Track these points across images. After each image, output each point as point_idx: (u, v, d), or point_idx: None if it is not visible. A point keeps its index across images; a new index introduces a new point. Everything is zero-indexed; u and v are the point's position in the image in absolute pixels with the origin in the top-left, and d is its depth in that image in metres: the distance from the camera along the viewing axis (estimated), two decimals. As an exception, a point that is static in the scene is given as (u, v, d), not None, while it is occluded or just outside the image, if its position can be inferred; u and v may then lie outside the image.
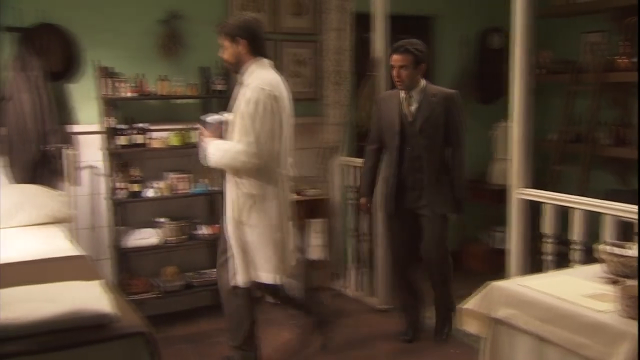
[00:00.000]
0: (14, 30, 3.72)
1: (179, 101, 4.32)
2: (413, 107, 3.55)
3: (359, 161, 4.28)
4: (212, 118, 3.25)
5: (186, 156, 4.35)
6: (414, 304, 3.84)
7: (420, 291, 3.86)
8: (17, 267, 2.47)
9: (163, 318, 4.18)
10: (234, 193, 3.12)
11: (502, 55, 5.46)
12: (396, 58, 3.50)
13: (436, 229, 3.63)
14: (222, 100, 4.30)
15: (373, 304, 4.43)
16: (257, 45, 3.11)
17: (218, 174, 4.36)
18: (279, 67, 4.63)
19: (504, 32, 5.38)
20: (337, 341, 3.86)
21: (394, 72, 3.51)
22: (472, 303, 2.45)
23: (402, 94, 3.57)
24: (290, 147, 3.23)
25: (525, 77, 3.31)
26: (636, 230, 2.75)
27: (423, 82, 3.58)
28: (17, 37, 3.73)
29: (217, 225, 4.34)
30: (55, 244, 2.85)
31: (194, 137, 4.22)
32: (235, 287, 3.17)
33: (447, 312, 3.84)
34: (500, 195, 5.02)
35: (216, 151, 3.08)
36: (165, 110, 4.31)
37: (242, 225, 3.10)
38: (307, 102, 4.83)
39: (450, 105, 3.53)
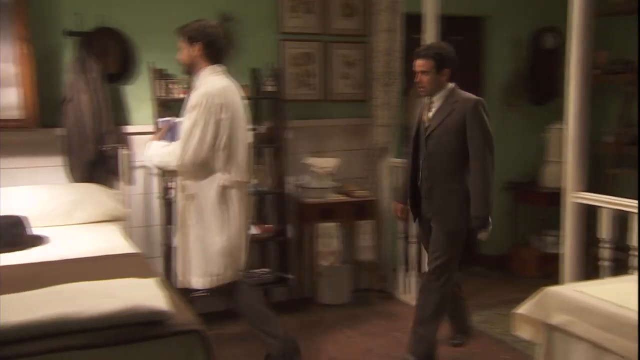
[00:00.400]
0: (75, 35, 3.84)
1: (230, 102, 4.37)
2: (430, 113, 3.40)
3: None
4: (163, 119, 3.39)
5: (237, 157, 4.41)
6: (454, 307, 3.72)
7: (457, 295, 3.73)
8: (77, 263, 2.55)
9: (212, 316, 4.23)
10: (179, 195, 3.19)
11: (556, 56, 5.36)
12: (417, 63, 3.34)
13: (437, 244, 3.38)
14: (273, 102, 4.36)
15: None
16: (212, 50, 3.17)
17: (267, 174, 4.42)
18: (328, 69, 4.70)
19: (559, 31, 5.28)
20: (385, 345, 3.85)
21: (416, 77, 3.38)
22: (525, 308, 2.40)
23: (426, 99, 3.45)
24: (248, 154, 3.25)
25: (582, 78, 3.23)
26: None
27: (450, 86, 3.36)
28: (77, 41, 3.85)
29: (266, 225, 4.39)
30: (112, 241, 2.93)
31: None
32: (230, 288, 3.20)
33: (423, 342, 3.46)
34: (552, 198, 4.93)
35: (151, 150, 3.20)
36: (216, 111, 4.37)
37: (185, 227, 3.16)
38: (356, 103, 4.83)
39: (469, 114, 3.26)
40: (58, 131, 3.84)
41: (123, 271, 2.38)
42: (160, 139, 3.28)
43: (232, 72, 4.23)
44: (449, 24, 4.76)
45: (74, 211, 3.19)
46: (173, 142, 3.14)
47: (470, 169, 3.29)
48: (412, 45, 4.87)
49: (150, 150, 3.22)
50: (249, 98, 4.29)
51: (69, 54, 3.87)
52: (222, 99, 3.07)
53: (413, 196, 3.53)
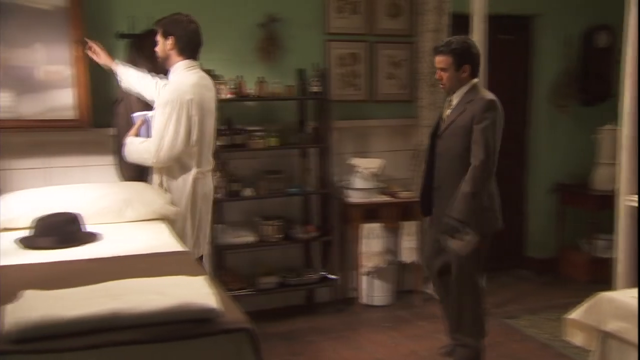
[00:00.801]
0: (127, 37, 3.93)
1: (276, 102, 4.41)
2: (448, 112, 3.31)
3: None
4: (137, 114, 3.43)
5: (282, 157, 4.45)
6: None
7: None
8: (128, 260, 2.60)
9: (257, 315, 4.24)
10: (155, 187, 3.35)
11: (609, 55, 5.22)
12: (437, 59, 3.23)
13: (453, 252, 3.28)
14: (318, 102, 4.37)
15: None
16: (184, 45, 3.19)
17: (312, 175, 4.43)
18: (373, 69, 4.68)
19: (612, 29, 5.14)
20: (429, 347, 3.82)
21: (437, 74, 3.29)
22: (578, 314, 2.35)
23: (448, 97, 3.35)
24: (214, 145, 3.39)
25: (636, 77, 3.13)
26: None
27: (471, 83, 3.22)
28: (129, 43, 3.93)
29: (312, 226, 4.40)
30: (162, 239, 2.96)
31: (290, 138, 4.30)
32: None
33: (468, 349, 3.36)
34: (603, 201, 4.81)
35: (129, 146, 3.28)
36: (263, 111, 4.42)
37: None
38: (401, 103, 4.80)
39: (477, 114, 3.11)
40: (110, 131, 3.94)
41: (173, 269, 2.41)
42: (135, 134, 3.35)
43: (278, 72, 4.32)
44: (498, 23, 4.70)
45: (124, 209, 3.24)
46: (149, 138, 3.22)
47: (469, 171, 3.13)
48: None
49: (128, 146, 3.30)
50: (295, 98, 4.35)
51: (120, 55, 3.96)
52: (192, 94, 3.12)
53: (425, 194, 3.43)
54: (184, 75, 3.19)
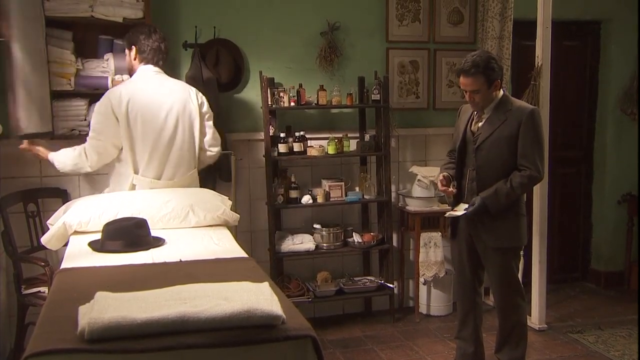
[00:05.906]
0: (192, 47, 4.03)
1: (335, 110, 4.42)
2: (480, 124, 3.21)
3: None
4: None
5: (342, 164, 4.45)
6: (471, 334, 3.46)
7: (477, 304, 3.44)
8: (193, 265, 2.64)
9: (315, 322, 4.25)
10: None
11: (682, 60, 5.00)
12: (465, 82, 3.09)
13: (495, 265, 3.23)
14: (378, 110, 4.35)
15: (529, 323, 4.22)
16: (141, 52, 3.27)
17: (371, 182, 4.41)
18: (433, 76, 4.62)
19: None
20: (488, 358, 3.74)
21: (466, 96, 3.18)
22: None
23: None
24: (175, 154, 3.31)
25: None
26: None
27: (500, 94, 3.17)
28: (194, 52, 4.02)
29: (371, 234, 4.38)
30: (224, 245, 3.00)
31: (349, 145, 4.30)
32: None
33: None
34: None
35: (59, 157, 3.29)
36: (322, 119, 4.43)
37: None
38: (462, 111, 4.73)
39: (525, 123, 3.07)
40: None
41: (236, 274, 2.44)
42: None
43: (338, 80, 4.33)
44: (563, 29, 4.58)
45: (188, 215, 3.29)
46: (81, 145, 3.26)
47: (516, 173, 3.11)
48: (521, 52, 4.75)
49: (58, 157, 3.28)
50: (354, 106, 4.34)
51: (186, 64, 4.06)
52: (118, 99, 3.14)
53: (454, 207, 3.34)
54: (128, 82, 3.32)
